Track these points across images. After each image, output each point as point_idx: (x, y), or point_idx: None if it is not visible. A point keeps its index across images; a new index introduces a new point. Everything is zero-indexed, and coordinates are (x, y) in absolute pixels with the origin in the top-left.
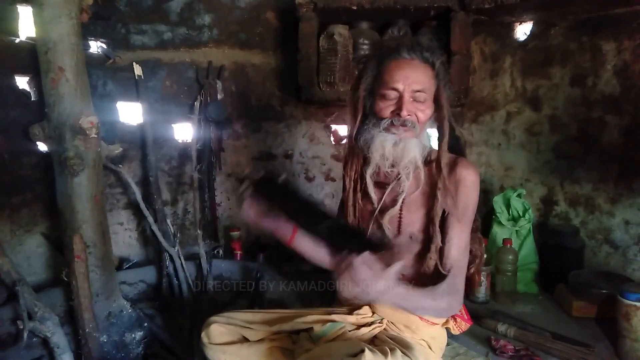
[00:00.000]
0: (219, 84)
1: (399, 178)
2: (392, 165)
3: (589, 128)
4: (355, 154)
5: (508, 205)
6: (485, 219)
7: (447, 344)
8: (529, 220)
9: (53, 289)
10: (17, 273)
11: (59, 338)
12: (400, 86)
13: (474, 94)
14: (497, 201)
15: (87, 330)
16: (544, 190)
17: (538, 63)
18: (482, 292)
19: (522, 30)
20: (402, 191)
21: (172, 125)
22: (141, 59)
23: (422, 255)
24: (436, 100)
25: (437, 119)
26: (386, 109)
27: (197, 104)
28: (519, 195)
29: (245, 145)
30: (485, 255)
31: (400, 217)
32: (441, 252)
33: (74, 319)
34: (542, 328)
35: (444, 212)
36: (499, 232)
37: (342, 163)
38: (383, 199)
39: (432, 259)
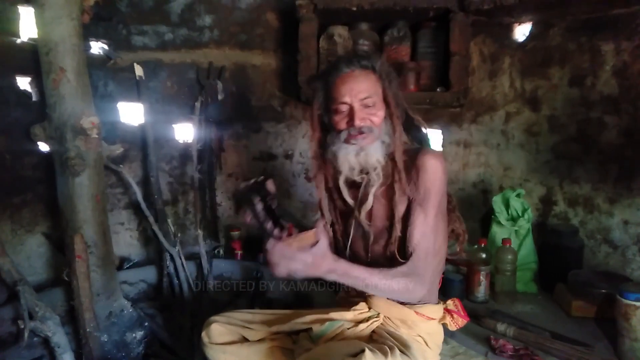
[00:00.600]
0: (220, 85)
1: (369, 177)
2: (361, 172)
3: (588, 128)
4: (323, 167)
5: (507, 205)
6: (484, 219)
7: (447, 343)
8: (528, 220)
9: (54, 289)
10: (18, 273)
11: (59, 338)
12: (347, 99)
13: (473, 95)
14: (496, 201)
15: (87, 329)
16: (543, 190)
17: (537, 64)
18: (481, 291)
19: (521, 31)
20: (372, 186)
21: (173, 125)
22: (142, 59)
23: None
24: (385, 100)
25: (387, 116)
26: (341, 121)
27: (197, 104)
28: (518, 195)
29: (245, 146)
30: (466, 232)
31: (372, 210)
32: (405, 238)
33: (75, 319)
34: (541, 327)
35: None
36: (498, 232)
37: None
38: (359, 197)
39: (392, 245)
